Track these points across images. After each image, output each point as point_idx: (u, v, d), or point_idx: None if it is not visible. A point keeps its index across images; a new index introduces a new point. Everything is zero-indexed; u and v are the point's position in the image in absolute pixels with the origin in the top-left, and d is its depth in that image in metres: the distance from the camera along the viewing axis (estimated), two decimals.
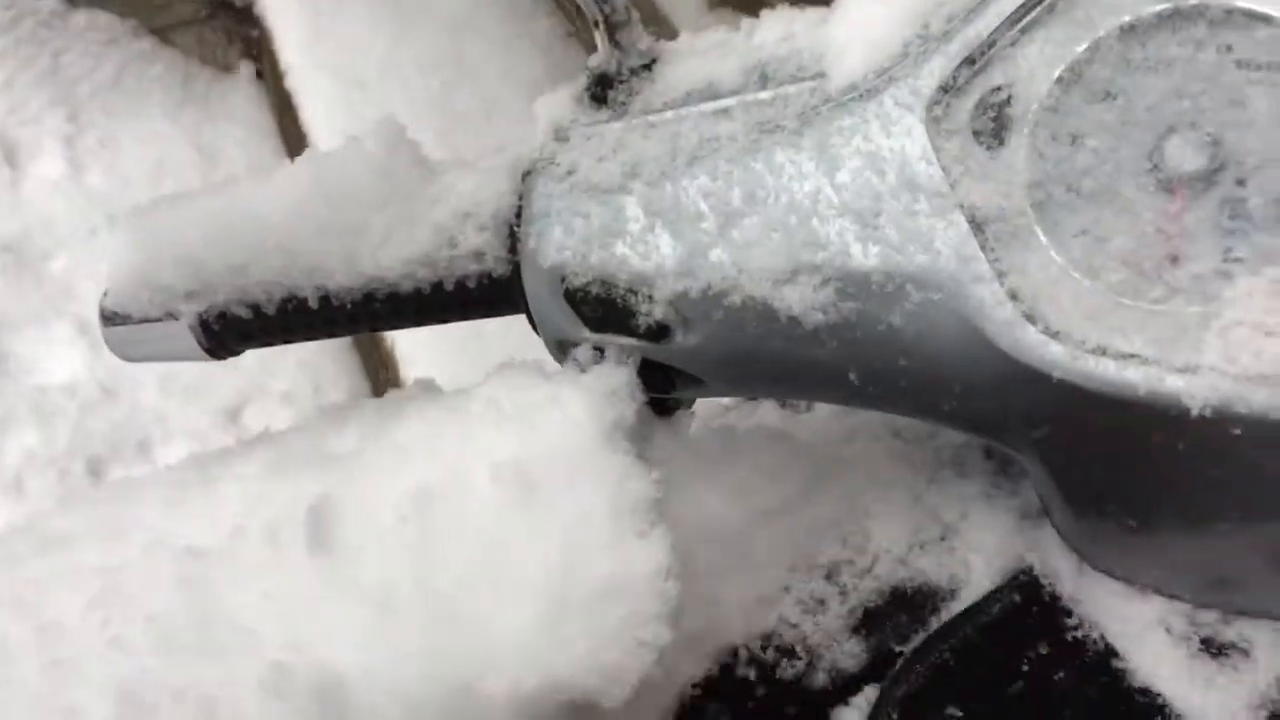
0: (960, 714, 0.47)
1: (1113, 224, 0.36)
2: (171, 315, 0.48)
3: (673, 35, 0.46)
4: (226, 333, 0.49)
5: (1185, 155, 0.35)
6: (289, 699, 0.40)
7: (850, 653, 0.50)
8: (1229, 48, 0.35)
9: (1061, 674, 0.48)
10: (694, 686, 0.51)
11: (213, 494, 0.45)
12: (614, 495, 0.42)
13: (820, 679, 0.50)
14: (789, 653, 0.50)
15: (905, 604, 0.50)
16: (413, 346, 1.62)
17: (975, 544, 0.50)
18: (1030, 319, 0.36)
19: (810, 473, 0.51)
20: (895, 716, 0.47)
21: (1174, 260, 0.35)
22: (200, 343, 0.49)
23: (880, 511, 0.51)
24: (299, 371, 1.88)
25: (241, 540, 0.43)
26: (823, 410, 0.55)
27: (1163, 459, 0.38)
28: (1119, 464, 0.40)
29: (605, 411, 0.43)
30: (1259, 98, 0.35)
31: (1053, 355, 0.36)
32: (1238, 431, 0.34)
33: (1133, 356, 0.35)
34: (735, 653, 0.51)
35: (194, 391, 1.86)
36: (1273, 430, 0.33)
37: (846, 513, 0.51)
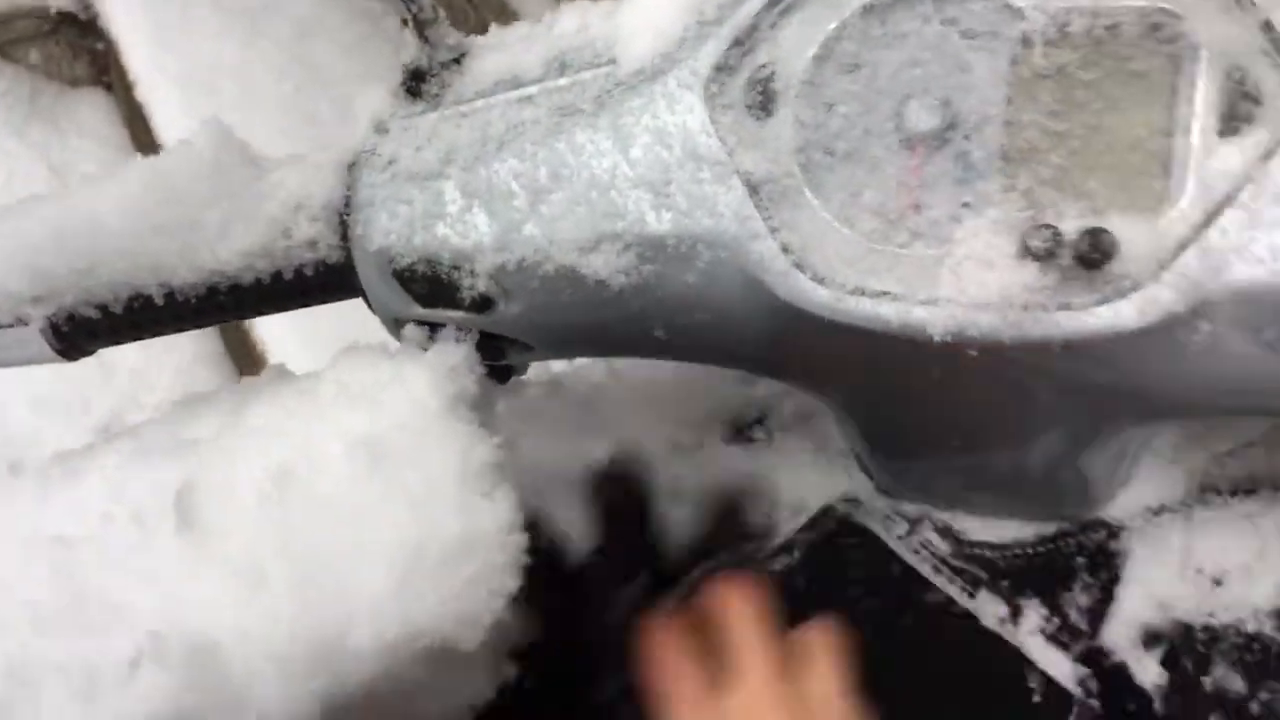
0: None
1: (865, 180, 0.41)
2: (21, 321, 0.51)
3: None
4: (76, 334, 0.52)
5: (921, 117, 0.41)
6: (167, 664, 0.43)
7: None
8: (953, 20, 0.41)
9: (873, 599, 0.54)
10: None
11: (79, 485, 0.48)
12: (459, 462, 0.46)
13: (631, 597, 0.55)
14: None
15: (721, 532, 0.55)
16: (287, 351, 1.63)
17: (785, 482, 0.56)
18: (800, 268, 0.41)
19: (623, 413, 0.56)
20: None
21: (916, 209, 0.41)
22: (51, 345, 0.52)
23: (694, 446, 0.56)
24: (175, 380, 1.87)
25: (110, 525, 0.46)
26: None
27: (918, 385, 0.43)
28: (892, 395, 0.46)
29: (446, 385, 0.47)
30: (979, 63, 0.40)
31: (820, 298, 0.41)
32: (974, 353, 0.39)
33: (884, 294, 0.40)
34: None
35: (66, 409, 1.84)
36: (998, 350, 0.39)
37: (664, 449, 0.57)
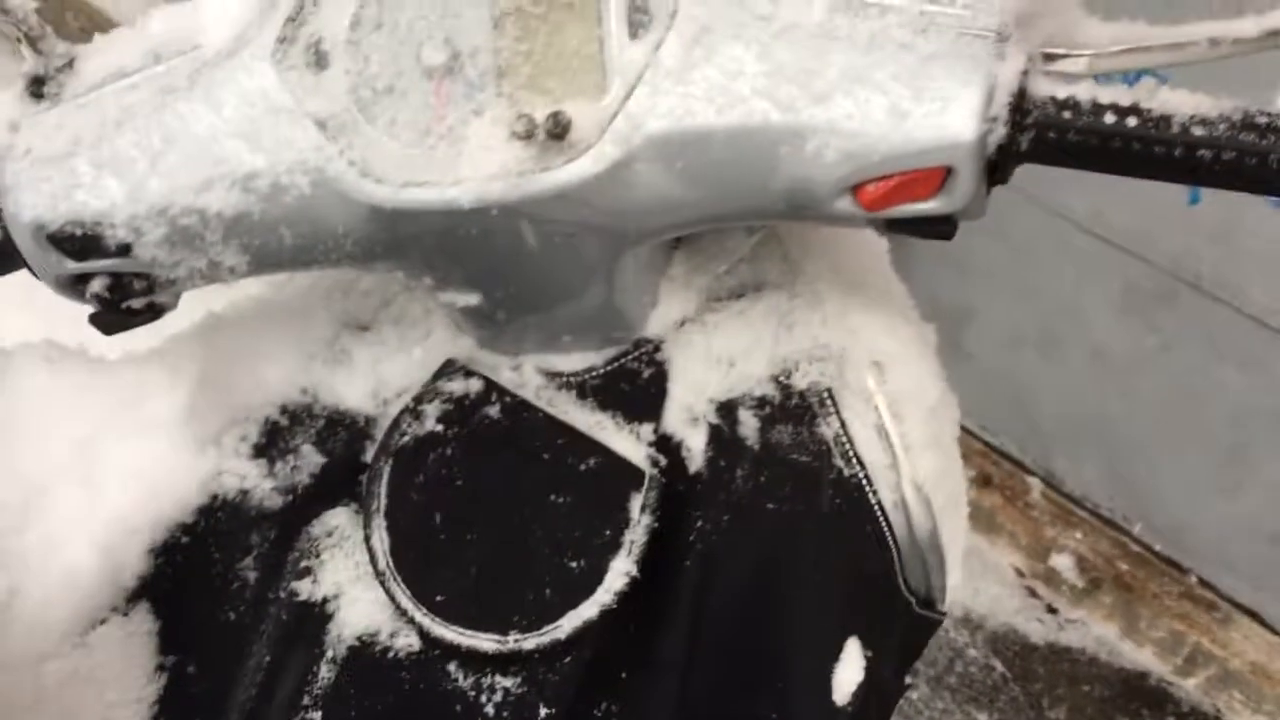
0: (444, 453, 0.67)
1: (403, 106, 0.56)
2: None
3: None
4: None
5: (433, 55, 0.56)
6: None
7: (312, 465, 0.70)
8: None
9: (501, 420, 0.69)
10: None
11: None
12: None
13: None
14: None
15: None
16: None
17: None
18: (365, 175, 0.56)
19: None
20: (389, 463, 0.67)
21: (440, 120, 0.56)
22: None
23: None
24: None
25: None
26: None
27: (469, 249, 0.59)
28: (459, 260, 0.61)
29: None
30: (466, 10, 0.56)
31: (384, 194, 0.56)
32: (494, 213, 0.56)
33: (426, 183, 0.56)
34: None
35: None
36: (510, 207, 0.55)
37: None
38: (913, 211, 0.55)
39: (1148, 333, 2.05)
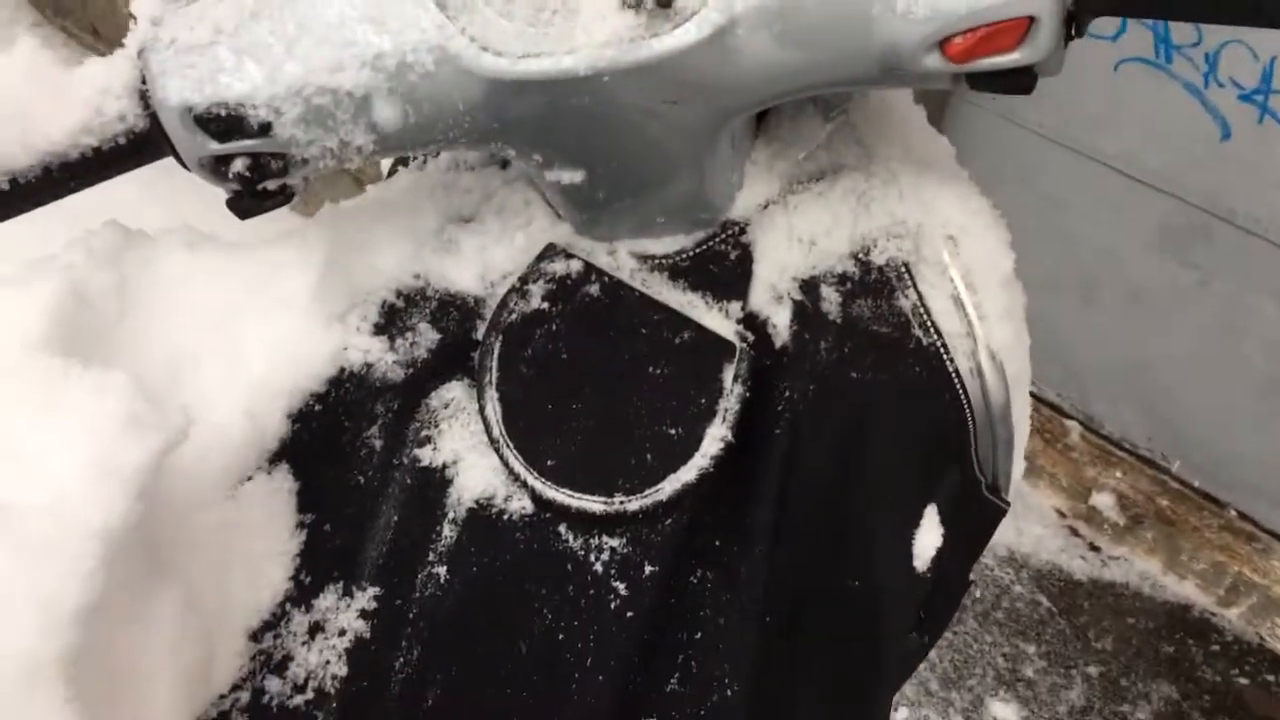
0: (550, 329, 0.72)
1: None
2: None
3: None
4: None
5: None
6: None
7: (429, 341, 0.74)
8: None
9: (601, 299, 0.74)
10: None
11: None
12: None
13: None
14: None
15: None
16: None
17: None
18: (484, 49, 0.61)
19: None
20: (499, 339, 0.72)
21: None
22: None
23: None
24: None
25: None
26: None
27: (583, 121, 0.64)
28: (573, 134, 0.66)
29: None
30: None
31: (502, 66, 0.61)
32: (606, 79, 0.60)
33: (542, 54, 0.60)
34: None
35: None
36: (623, 72, 0.60)
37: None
38: (996, 64, 0.59)
39: (1183, 270, 2.08)
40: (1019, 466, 0.83)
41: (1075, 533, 2.24)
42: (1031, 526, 2.23)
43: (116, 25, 2.46)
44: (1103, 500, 2.22)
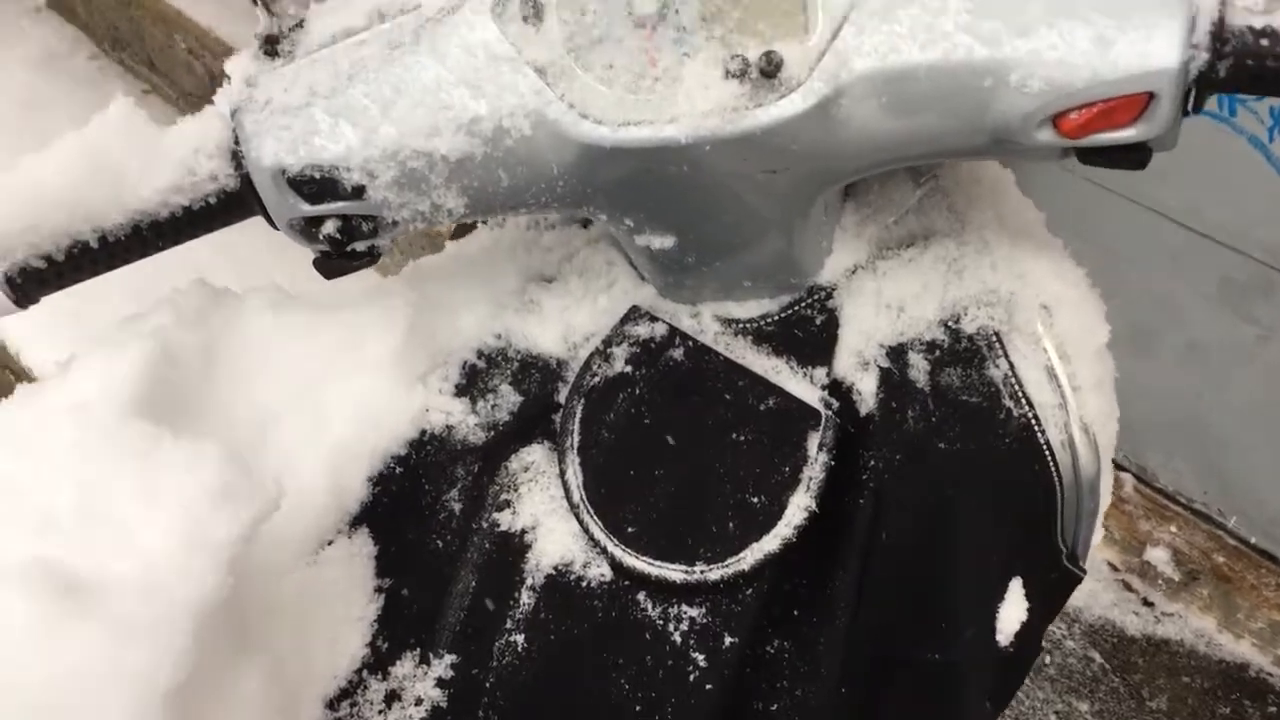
0: (633, 393, 0.71)
1: (616, 53, 0.60)
2: None
3: None
4: (28, 284, 0.65)
5: (646, 5, 0.60)
6: None
7: (510, 403, 0.73)
8: None
9: (685, 363, 0.73)
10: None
11: None
12: None
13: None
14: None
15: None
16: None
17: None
18: (584, 116, 0.60)
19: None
20: (581, 402, 0.71)
21: (653, 64, 0.60)
22: (9, 296, 0.64)
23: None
24: None
25: None
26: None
27: (679, 186, 0.63)
28: (665, 200, 0.65)
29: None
30: None
31: (602, 133, 0.60)
32: (707, 148, 0.59)
33: (643, 122, 0.59)
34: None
35: None
36: (724, 142, 0.59)
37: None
38: (1111, 139, 0.58)
39: (1243, 325, 2.04)
40: (1098, 534, 0.81)
41: (1128, 587, 2.19)
42: (1084, 579, 2.18)
43: (173, 60, 2.50)
44: (1157, 555, 2.18)
